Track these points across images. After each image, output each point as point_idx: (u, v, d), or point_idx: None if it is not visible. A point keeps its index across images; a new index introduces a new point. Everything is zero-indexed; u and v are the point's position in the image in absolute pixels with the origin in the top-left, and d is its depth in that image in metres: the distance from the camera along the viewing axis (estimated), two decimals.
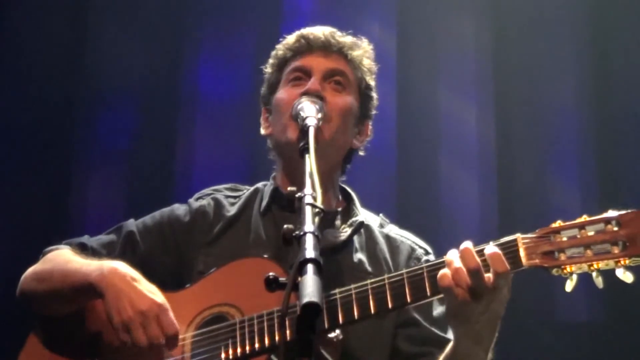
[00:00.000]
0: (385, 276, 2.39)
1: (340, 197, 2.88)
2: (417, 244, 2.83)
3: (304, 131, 2.50)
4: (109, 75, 5.31)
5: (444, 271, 2.30)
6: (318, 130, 2.52)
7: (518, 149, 5.26)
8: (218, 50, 5.35)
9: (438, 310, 2.68)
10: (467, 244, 2.31)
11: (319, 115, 2.58)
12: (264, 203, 2.82)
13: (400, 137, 5.19)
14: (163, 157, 5.24)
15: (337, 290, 2.40)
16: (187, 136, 5.31)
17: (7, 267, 3.04)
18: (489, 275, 2.27)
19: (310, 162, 2.30)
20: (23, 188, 5.01)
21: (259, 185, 2.93)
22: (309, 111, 2.56)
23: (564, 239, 2.27)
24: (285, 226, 2.10)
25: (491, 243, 2.32)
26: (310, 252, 1.98)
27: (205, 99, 5.34)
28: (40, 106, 5.16)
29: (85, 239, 2.84)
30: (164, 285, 2.58)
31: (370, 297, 2.36)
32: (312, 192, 2.18)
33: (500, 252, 2.27)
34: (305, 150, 2.38)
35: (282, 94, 2.80)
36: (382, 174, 5.09)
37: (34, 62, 5.21)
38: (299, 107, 2.61)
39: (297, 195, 2.19)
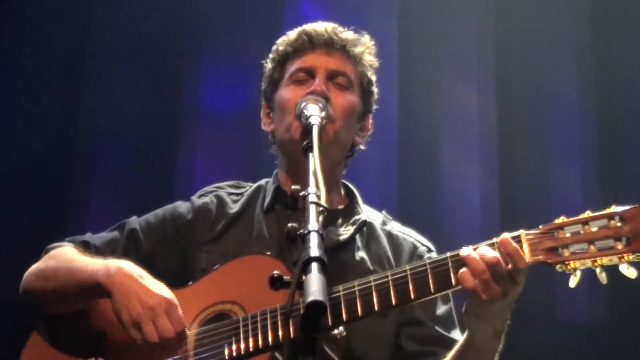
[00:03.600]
0: (389, 272, 2.39)
1: (342, 193, 2.88)
2: (419, 242, 2.83)
3: (307, 130, 2.50)
4: (109, 88, 5.31)
5: (465, 273, 2.29)
6: (322, 129, 2.52)
7: (520, 143, 5.27)
8: (219, 63, 5.36)
9: (441, 309, 2.68)
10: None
11: (323, 114, 2.58)
12: (267, 201, 2.82)
13: (402, 128, 5.20)
14: (164, 169, 5.24)
15: (340, 287, 2.39)
16: (188, 150, 5.31)
17: (9, 266, 3.04)
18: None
19: (315, 161, 2.30)
20: (24, 191, 5.02)
21: (262, 182, 2.94)
22: (313, 110, 2.56)
23: (567, 234, 2.28)
24: (289, 224, 2.11)
25: (495, 239, 2.33)
26: (314, 250, 1.99)
27: (206, 112, 5.35)
28: (43, 106, 5.17)
29: (88, 236, 2.84)
30: (167, 283, 2.56)
31: (374, 293, 2.36)
32: (316, 191, 2.19)
33: (518, 247, 2.28)
34: (309, 149, 2.38)
35: (286, 93, 2.80)
36: (384, 166, 5.10)
37: (37, 60, 5.22)
38: (303, 106, 2.61)
39: (301, 194, 2.20)
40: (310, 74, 2.79)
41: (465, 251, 2.32)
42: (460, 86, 5.33)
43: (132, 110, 5.26)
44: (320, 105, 2.61)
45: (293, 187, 2.24)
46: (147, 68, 5.30)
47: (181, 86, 5.40)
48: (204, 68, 5.43)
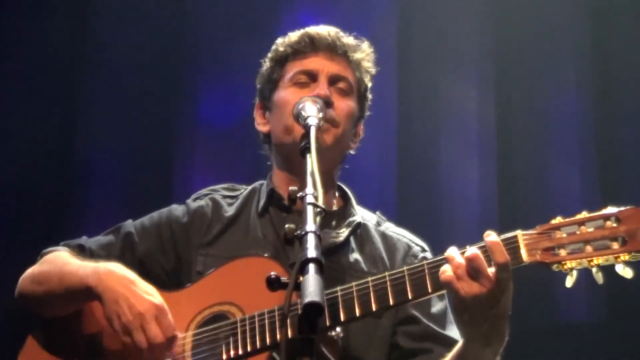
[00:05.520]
0: (387, 273, 2.40)
1: (337, 195, 2.89)
2: (413, 242, 2.84)
3: (306, 131, 2.50)
4: (106, 99, 5.32)
5: (445, 267, 2.30)
6: (321, 132, 2.55)
7: (519, 143, 5.27)
8: (216, 75, 5.37)
9: (437, 307, 2.68)
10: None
11: (320, 115, 2.58)
12: (261, 204, 2.82)
13: (401, 128, 5.21)
14: (162, 180, 5.24)
15: (338, 288, 2.40)
16: (185, 161, 5.32)
17: (6, 270, 3.05)
18: (491, 270, 2.27)
19: (312, 162, 2.31)
20: (23, 200, 5.04)
21: (256, 184, 2.94)
22: (311, 111, 2.57)
23: (564, 235, 2.29)
24: (286, 225, 2.12)
25: None
26: (312, 251, 2.00)
27: (203, 123, 5.36)
28: (42, 116, 5.18)
29: (84, 240, 2.84)
30: (163, 286, 2.60)
31: (372, 294, 2.36)
32: (313, 192, 2.19)
33: (500, 241, 2.29)
34: (307, 150, 2.38)
35: (287, 95, 2.79)
36: (383, 166, 5.11)
37: (36, 67, 5.23)
38: (300, 107, 2.60)
39: (298, 195, 2.20)
40: (312, 77, 2.79)
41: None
42: (459, 86, 5.33)
43: (129, 120, 5.27)
44: (318, 106, 2.61)
45: (291, 188, 2.25)
46: (145, 79, 5.31)
47: (178, 97, 5.41)
48: (201, 79, 5.44)
